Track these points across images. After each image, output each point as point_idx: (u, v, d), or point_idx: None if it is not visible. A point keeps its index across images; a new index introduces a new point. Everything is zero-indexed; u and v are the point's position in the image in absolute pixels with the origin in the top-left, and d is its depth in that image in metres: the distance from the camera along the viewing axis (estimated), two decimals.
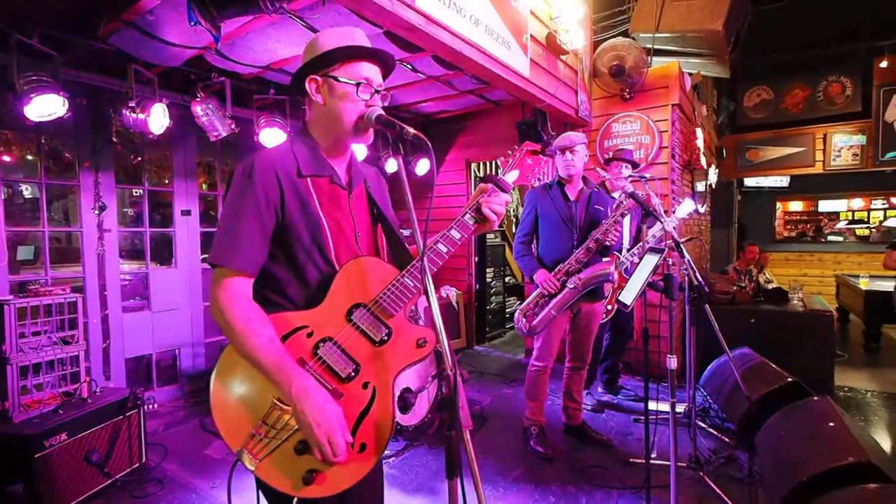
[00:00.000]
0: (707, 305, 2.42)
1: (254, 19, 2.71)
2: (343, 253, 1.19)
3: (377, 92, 1.21)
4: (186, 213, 3.90)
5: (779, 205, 9.68)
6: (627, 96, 4.21)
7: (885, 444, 3.21)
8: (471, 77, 3.62)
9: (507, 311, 6.17)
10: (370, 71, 1.20)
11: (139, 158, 3.82)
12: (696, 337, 3.35)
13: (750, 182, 8.17)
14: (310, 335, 1.12)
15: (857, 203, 9.47)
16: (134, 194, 3.85)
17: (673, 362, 1.90)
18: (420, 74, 3.69)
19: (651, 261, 1.90)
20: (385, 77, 1.28)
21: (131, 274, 3.76)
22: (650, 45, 4.12)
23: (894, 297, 5.44)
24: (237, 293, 1.09)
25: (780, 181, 8.19)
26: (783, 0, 5.01)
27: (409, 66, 3.51)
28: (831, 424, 2.17)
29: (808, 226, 9.86)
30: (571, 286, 2.52)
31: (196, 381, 3.95)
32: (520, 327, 2.70)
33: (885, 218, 8.83)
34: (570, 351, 2.94)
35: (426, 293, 1.07)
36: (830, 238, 9.38)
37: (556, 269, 2.62)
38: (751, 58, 5.97)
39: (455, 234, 1.22)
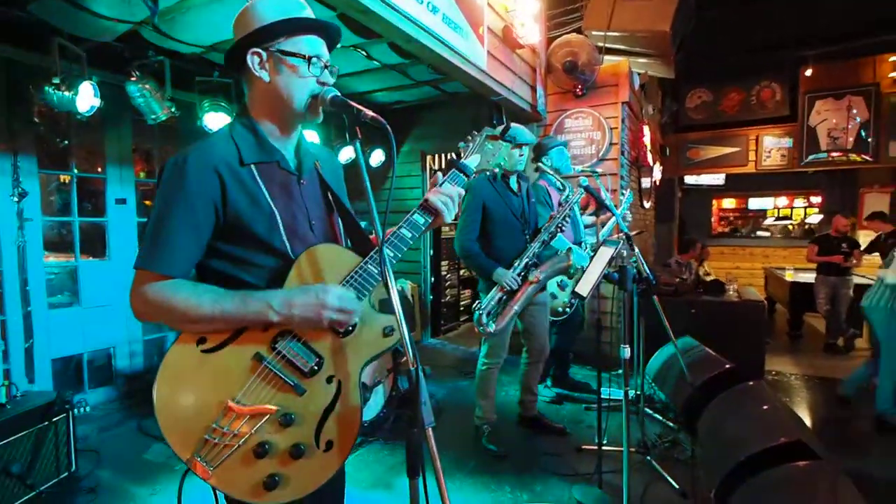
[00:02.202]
0: (654, 297, 2.52)
1: None
2: (296, 242, 1.11)
3: (326, 68, 1.13)
4: (121, 201, 3.63)
5: (714, 202, 10.31)
6: (580, 93, 4.30)
7: (809, 423, 3.48)
8: (428, 67, 3.57)
9: (462, 303, 6.20)
10: (318, 45, 1.12)
11: (66, 141, 3.50)
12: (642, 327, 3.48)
13: (690, 179, 8.63)
14: (266, 328, 1.04)
15: (782, 201, 10.30)
16: (62, 181, 3.52)
17: (627, 352, 1.95)
18: (375, 62, 3.60)
19: (606, 253, 1.94)
20: (329, 52, 1.19)
21: (58, 267, 3.45)
22: (601, 43, 4.23)
23: (815, 287, 5.92)
24: (160, 287, 1.00)
25: (716, 179, 8.70)
26: (728, 8, 5.27)
27: (363, 52, 3.41)
28: (765, 407, 2.32)
29: (740, 221, 10.62)
30: (533, 280, 2.51)
31: (133, 381, 3.70)
32: (484, 330, 2.57)
33: (806, 216, 9.60)
34: (528, 347, 2.96)
35: (385, 284, 1.03)
36: (759, 234, 10.11)
37: (513, 265, 2.59)
38: (693, 61, 6.27)
39: (406, 232, 1.17)
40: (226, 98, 3.67)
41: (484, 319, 2.53)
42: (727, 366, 2.98)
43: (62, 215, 3.43)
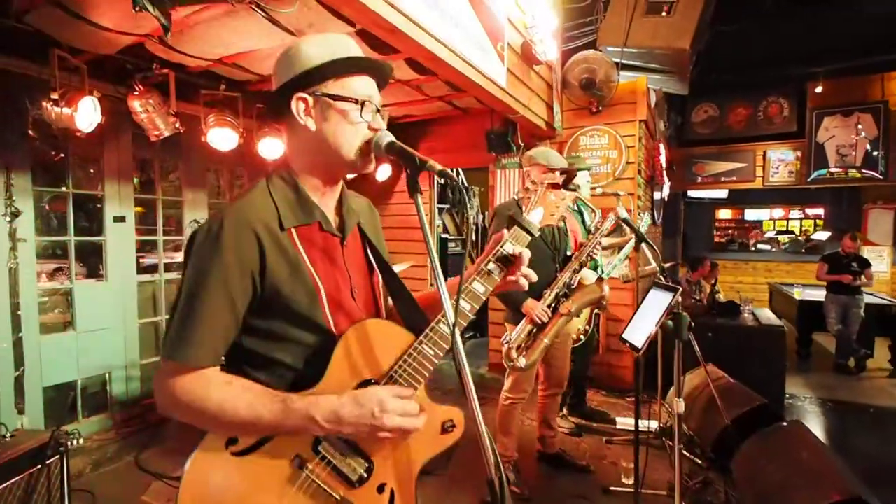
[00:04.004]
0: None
1: (204, 7, 2.37)
2: (340, 316, 0.97)
3: (378, 111, 0.99)
4: (120, 219, 3.44)
5: (716, 215, 10.32)
6: (595, 110, 4.19)
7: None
8: (444, 83, 3.44)
9: (469, 321, 6.04)
10: (369, 86, 0.98)
11: (61, 155, 3.31)
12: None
13: (692, 193, 8.58)
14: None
15: (778, 213, 10.35)
16: (55, 199, 3.33)
17: (680, 406, 1.81)
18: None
19: (659, 299, 1.81)
20: (380, 89, 1.05)
21: (52, 290, 3.26)
22: (618, 60, 4.13)
23: (825, 306, 5.85)
24: (191, 385, 0.86)
25: (719, 192, 8.66)
26: (737, 24, 5.21)
27: None
28: (811, 454, 2.19)
29: (736, 232, 10.63)
30: (563, 312, 2.37)
31: (129, 408, 3.50)
32: (514, 365, 2.39)
33: (813, 231, 9.61)
34: (546, 377, 2.82)
35: (459, 371, 0.88)
36: (760, 247, 10.10)
37: (544, 296, 2.45)
38: (700, 75, 6.20)
39: (479, 287, 1.03)
40: (232, 112, 3.52)
41: (514, 354, 2.37)
42: (761, 401, 2.86)
43: (57, 234, 3.24)
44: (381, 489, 0.92)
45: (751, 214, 10.54)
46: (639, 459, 2.30)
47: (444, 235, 5.75)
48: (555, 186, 1.16)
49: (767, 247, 10.04)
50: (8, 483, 2.10)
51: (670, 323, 1.72)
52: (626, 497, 2.59)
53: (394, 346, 0.96)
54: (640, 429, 2.22)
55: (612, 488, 2.69)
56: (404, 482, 0.94)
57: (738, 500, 2.45)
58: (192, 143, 3.49)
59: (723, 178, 7.21)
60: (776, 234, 10.05)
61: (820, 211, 9.65)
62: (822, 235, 8.36)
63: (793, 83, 6.63)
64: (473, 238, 6.44)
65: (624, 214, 2.22)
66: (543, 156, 2.58)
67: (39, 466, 2.23)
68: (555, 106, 4.07)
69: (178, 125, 3.05)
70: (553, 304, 2.43)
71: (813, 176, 6.62)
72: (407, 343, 0.96)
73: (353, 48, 0.99)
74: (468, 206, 0.98)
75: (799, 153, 6.73)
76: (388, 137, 0.97)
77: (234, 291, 0.87)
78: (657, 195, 5.69)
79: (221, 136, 3.37)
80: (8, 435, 2.29)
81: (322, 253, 0.98)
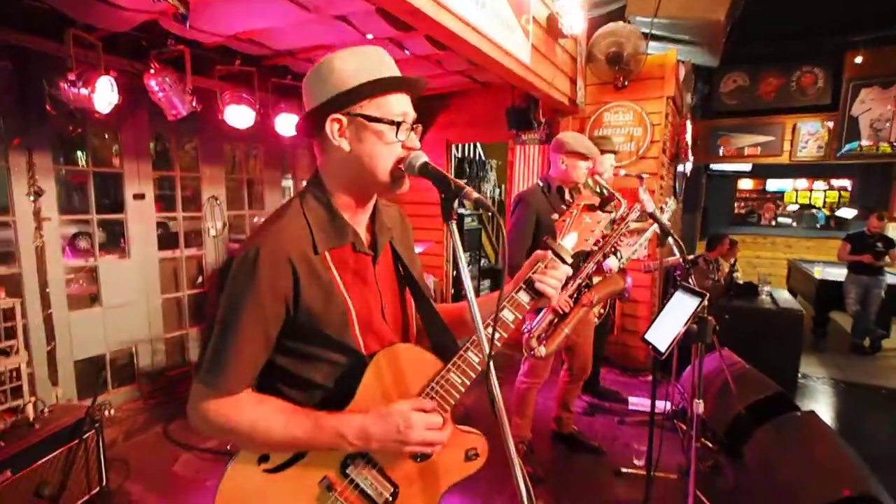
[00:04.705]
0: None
1: None
2: (370, 336, 0.98)
3: (413, 129, 0.96)
4: (139, 196, 3.47)
5: (737, 187, 10.04)
6: (621, 85, 4.03)
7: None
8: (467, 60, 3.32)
9: (481, 292, 6.09)
10: (404, 103, 0.95)
11: (79, 130, 3.31)
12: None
13: (715, 166, 8.32)
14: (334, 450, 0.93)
15: (802, 183, 10.02)
16: (76, 176, 3.36)
17: (701, 407, 1.83)
18: (407, 52, 3.35)
19: (688, 304, 1.79)
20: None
21: (78, 267, 3.33)
22: (646, 30, 3.93)
23: (845, 286, 5.76)
24: (224, 409, 0.90)
25: (743, 165, 8.39)
26: None
27: (396, 44, 3.17)
28: (824, 447, 2.21)
29: (756, 203, 10.37)
30: (585, 303, 2.36)
31: (157, 379, 3.64)
32: (534, 355, 2.40)
33: (827, 200, 9.32)
34: (570, 365, 2.84)
35: (492, 401, 0.88)
36: (781, 220, 9.86)
37: (566, 286, 2.43)
38: (732, 45, 5.90)
39: (508, 315, 1.02)
40: (248, 88, 3.46)
41: (534, 343, 2.38)
42: (776, 389, 2.86)
43: (79, 213, 3.28)
44: None
45: (773, 185, 10.25)
46: (652, 445, 2.34)
47: (460, 210, 5.71)
48: (590, 209, 1.12)
49: (788, 220, 9.80)
50: (49, 457, 2.22)
51: (694, 326, 1.71)
52: (637, 479, 2.65)
53: (422, 372, 0.98)
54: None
55: (624, 470, 2.76)
56: None
57: (746, 486, 2.50)
58: (208, 118, 3.45)
59: (747, 152, 6.97)
60: (799, 209, 9.77)
61: (846, 183, 9.33)
62: (848, 213, 8.12)
63: (830, 53, 6.27)
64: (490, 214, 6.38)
65: (650, 208, 2.17)
66: (582, 144, 2.48)
67: (77, 441, 2.35)
68: (578, 81, 3.92)
69: (194, 104, 3.01)
70: (575, 295, 2.42)
71: (844, 150, 6.35)
72: (435, 370, 0.97)
73: (387, 63, 0.95)
74: (500, 226, 0.96)
75: (831, 124, 6.45)
76: (422, 158, 0.94)
77: (268, 319, 0.89)
78: (679, 168, 5.54)
79: (238, 114, 3.33)
80: (46, 410, 2.41)
81: (354, 274, 0.98)
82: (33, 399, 2.41)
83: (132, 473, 2.68)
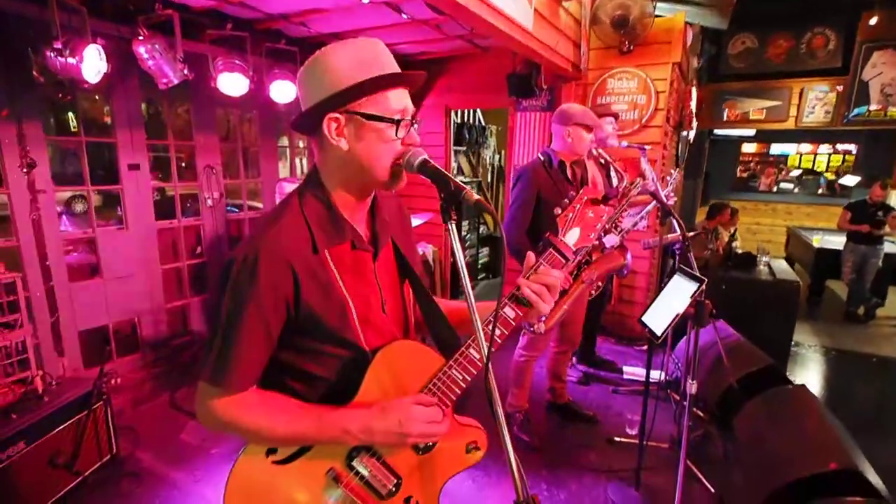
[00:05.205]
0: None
1: None
2: (371, 332, 0.99)
3: (411, 125, 0.94)
4: (134, 167, 3.41)
5: (742, 147, 9.88)
6: (626, 49, 3.89)
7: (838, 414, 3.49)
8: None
9: (480, 262, 6.11)
10: (403, 98, 0.93)
11: (69, 97, 3.22)
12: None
13: (719, 131, 8.18)
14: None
15: (806, 147, 9.86)
16: (69, 146, 3.28)
17: (694, 387, 1.87)
18: (405, 16, 3.22)
19: (686, 288, 1.79)
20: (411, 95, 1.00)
21: (76, 239, 3.32)
22: None
23: (842, 254, 5.78)
24: (230, 408, 0.92)
25: (748, 130, 8.24)
26: None
27: (394, 9, 3.04)
28: (813, 421, 2.28)
29: (758, 167, 10.24)
30: (585, 280, 2.37)
31: (160, 348, 3.70)
32: (535, 330, 2.37)
33: (830, 164, 9.21)
34: (559, 335, 2.89)
35: (490, 399, 0.90)
36: (783, 186, 9.77)
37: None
38: (741, 5, 5.68)
39: (510, 312, 1.00)
40: (240, 54, 3.35)
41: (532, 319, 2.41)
42: (768, 362, 2.92)
43: (74, 185, 3.23)
44: (407, 501, 1.00)
45: (776, 149, 10.10)
46: (645, 416, 2.41)
47: (459, 178, 5.64)
48: (593, 203, 1.10)
49: (790, 186, 9.71)
50: (61, 427, 2.29)
51: (691, 310, 1.73)
52: (629, 447, 2.75)
53: (424, 368, 0.99)
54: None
55: (617, 439, 2.86)
56: (429, 495, 1.02)
57: (736, 456, 2.60)
58: (199, 86, 3.35)
59: (753, 117, 6.83)
60: (801, 174, 9.66)
61: (851, 147, 9.19)
62: (851, 181, 8.04)
63: (843, 13, 6.04)
64: (489, 180, 6.32)
65: (652, 187, 2.15)
66: (588, 115, 2.42)
67: (87, 412, 2.41)
68: (581, 46, 3.78)
69: (186, 72, 2.91)
70: (575, 272, 2.43)
71: (853, 113, 6.22)
72: (436, 366, 0.99)
73: (384, 57, 0.92)
74: (500, 195, 0.95)
75: (840, 88, 6.29)
76: (421, 156, 0.93)
77: (269, 320, 0.90)
78: (682, 134, 5.45)
79: (231, 81, 3.23)
80: (54, 383, 2.46)
81: (354, 271, 0.98)
82: (41, 372, 2.45)
83: (141, 441, 2.77)
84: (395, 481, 0.98)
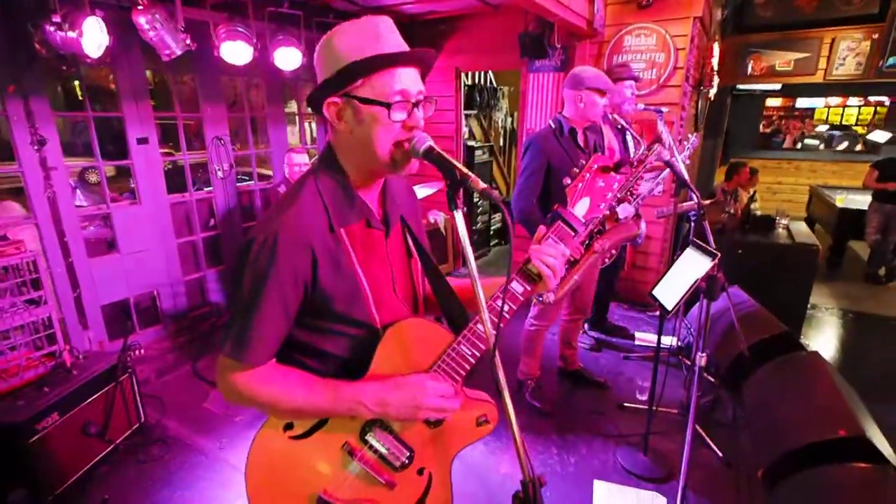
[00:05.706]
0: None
1: None
2: (383, 310, 1.01)
3: (416, 105, 0.91)
4: (143, 140, 3.40)
5: (766, 102, 9.45)
6: (645, 3, 3.68)
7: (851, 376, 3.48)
8: None
9: (493, 228, 6.08)
10: (405, 78, 0.89)
11: (72, 70, 3.18)
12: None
13: (742, 86, 7.80)
14: (354, 416, 0.98)
15: (834, 100, 9.37)
16: (77, 122, 3.28)
17: (703, 359, 1.86)
18: None
19: (697, 262, 1.75)
20: (424, 76, 0.96)
21: (91, 215, 3.37)
22: None
23: (867, 214, 5.61)
24: (250, 381, 0.95)
25: (773, 84, 7.85)
26: None
27: None
28: (823, 388, 2.27)
29: (783, 122, 9.82)
30: (597, 249, 2.33)
31: (180, 320, 3.81)
32: (544, 300, 2.33)
33: (860, 117, 8.78)
34: (570, 303, 2.89)
35: (497, 384, 0.90)
36: (808, 142, 9.37)
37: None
38: None
39: (517, 287, 0.99)
40: (242, 20, 3.25)
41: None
42: (782, 329, 2.89)
43: (84, 160, 3.25)
44: (420, 472, 1.04)
45: (803, 102, 9.63)
46: (655, 382, 2.42)
47: (470, 143, 5.53)
48: (603, 171, 1.06)
49: (815, 142, 9.30)
50: (91, 399, 2.40)
51: (703, 284, 1.70)
52: (639, 413, 2.79)
53: (433, 344, 1.01)
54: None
55: (627, 404, 2.90)
56: (441, 466, 1.05)
57: (745, 421, 2.62)
58: (203, 55, 3.28)
59: (779, 69, 6.48)
60: (829, 131, 9.23)
61: (884, 98, 8.69)
62: (881, 136, 7.67)
63: None
64: (501, 144, 6.18)
65: (667, 156, 2.07)
66: (602, 79, 2.32)
67: (114, 384, 2.52)
68: (596, 1, 3.59)
69: (188, 41, 2.85)
70: (586, 242, 2.39)
71: (889, 63, 5.86)
72: (446, 342, 1.00)
73: (385, 36, 0.88)
74: (512, 159, 0.93)
75: (876, 36, 5.90)
76: (426, 142, 0.90)
77: (288, 298, 0.92)
78: (702, 90, 5.21)
79: (234, 50, 3.16)
80: (81, 357, 2.56)
81: (367, 249, 1.00)
82: (68, 346, 2.55)
83: (167, 409, 2.89)
84: (408, 454, 1.01)
